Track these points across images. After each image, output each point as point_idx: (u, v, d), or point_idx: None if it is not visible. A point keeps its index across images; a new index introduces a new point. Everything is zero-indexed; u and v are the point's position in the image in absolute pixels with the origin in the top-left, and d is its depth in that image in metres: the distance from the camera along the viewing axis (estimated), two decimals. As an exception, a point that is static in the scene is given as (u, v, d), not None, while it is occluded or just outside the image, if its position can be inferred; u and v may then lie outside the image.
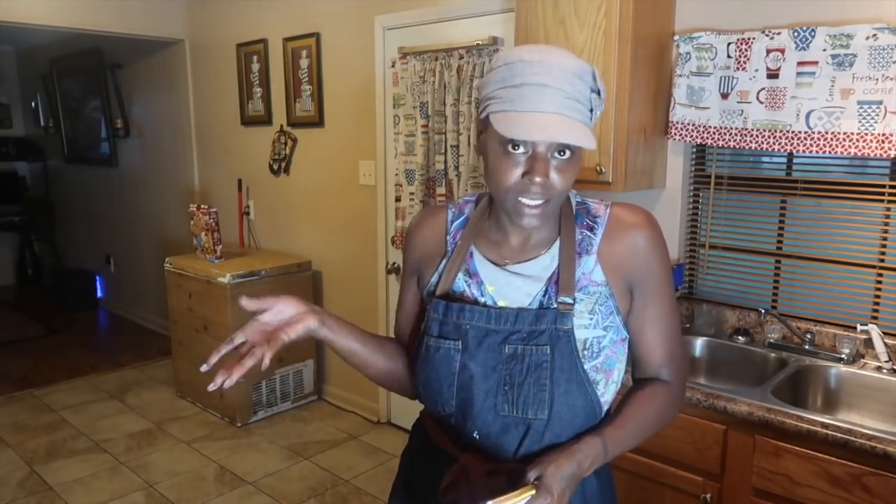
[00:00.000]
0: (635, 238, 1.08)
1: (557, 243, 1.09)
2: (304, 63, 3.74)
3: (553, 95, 0.95)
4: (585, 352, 1.05)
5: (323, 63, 3.66)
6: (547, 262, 1.08)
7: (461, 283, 1.12)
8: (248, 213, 4.36)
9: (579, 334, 1.05)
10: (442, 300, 1.11)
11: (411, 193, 3.14)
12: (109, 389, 4.23)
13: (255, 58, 4.03)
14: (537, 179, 0.96)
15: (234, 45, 4.17)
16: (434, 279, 1.16)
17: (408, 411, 3.46)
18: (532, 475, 0.97)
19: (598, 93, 1.01)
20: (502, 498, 0.94)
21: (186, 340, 3.93)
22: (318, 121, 3.74)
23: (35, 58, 6.19)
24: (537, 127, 0.94)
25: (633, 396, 1.11)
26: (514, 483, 1.00)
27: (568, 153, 0.98)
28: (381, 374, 1.21)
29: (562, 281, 1.06)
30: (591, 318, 1.06)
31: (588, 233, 1.09)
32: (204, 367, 1.01)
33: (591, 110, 1.00)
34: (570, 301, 1.05)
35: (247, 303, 1.03)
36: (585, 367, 1.05)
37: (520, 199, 0.99)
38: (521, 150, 0.97)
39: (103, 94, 5.38)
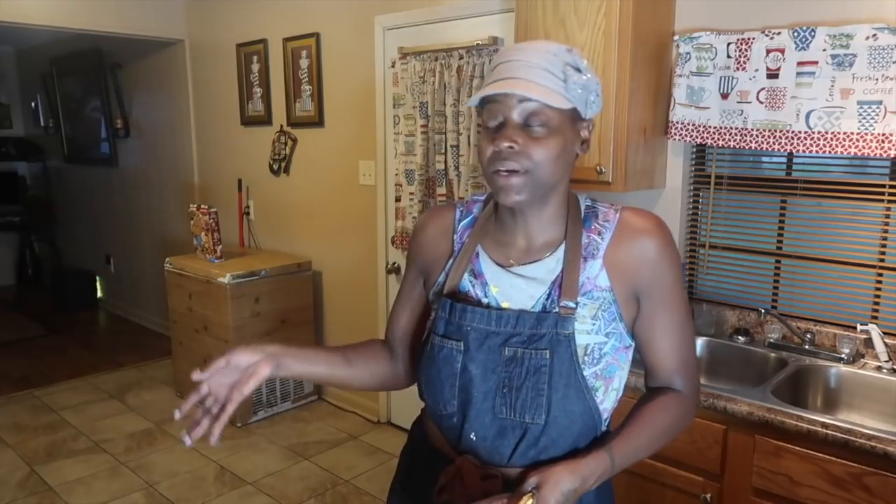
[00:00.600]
0: (645, 245, 1.07)
1: (563, 246, 1.08)
2: (304, 63, 3.74)
3: (520, 65, 1.00)
4: (586, 357, 1.04)
5: (323, 63, 3.66)
6: (552, 265, 1.07)
7: (466, 283, 1.12)
8: (248, 213, 4.36)
9: (580, 339, 1.04)
10: (449, 299, 1.10)
11: (411, 193, 3.14)
12: (109, 389, 4.23)
13: (255, 58, 4.03)
14: (503, 144, 0.99)
15: (234, 45, 4.17)
16: (441, 279, 1.16)
17: (408, 411, 3.46)
18: (532, 483, 0.96)
19: (578, 69, 1.02)
20: (496, 501, 0.93)
21: (186, 340, 3.93)
22: (318, 121, 3.74)
23: (35, 58, 6.19)
24: (497, 86, 0.99)
25: (644, 407, 1.10)
26: (509, 488, 1.00)
27: (540, 122, 1.00)
28: (360, 385, 1.23)
29: (565, 285, 1.05)
30: (594, 324, 1.05)
31: (595, 237, 1.08)
32: (177, 415, 1.04)
33: (565, 81, 1.01)
34: (573, 305, 1.04)
35: (197, 376, 1.05)
36: (585, 373, 1.04)
37: (495, 169, 1.01)
38: (494, 123, 1.01)
39: (103, 94, 5.38)
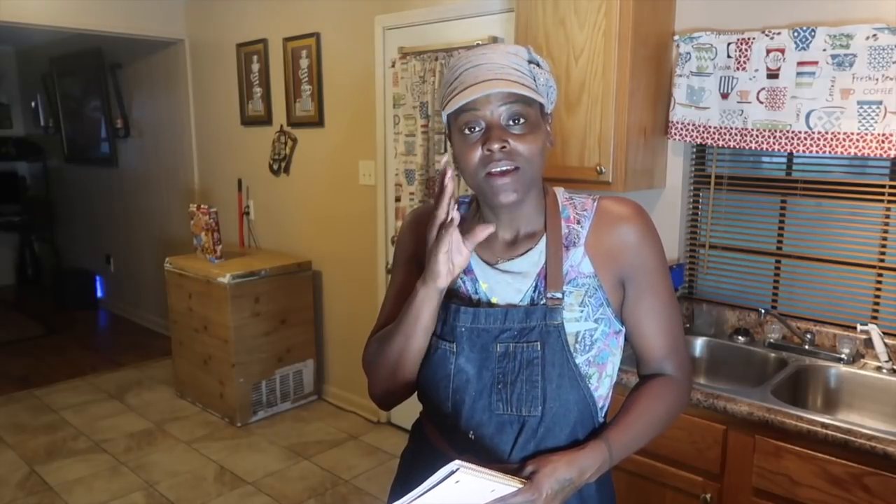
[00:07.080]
0: (624, 231, 1.08)
1: (544, 238, 1.10)
2: (304, 63, 3.74)
3: (487, 68, 1.01)
4: (577, 345, 1.06)
5: (323, 63, 3.66)
6: (535, 257, 1.09)
7: (458, 281, 1.13)
8: (248, 213, 4.36)
9: (570, 327, 1.05)
10: (444, 299, 1.11)
11: (411, 193, 3.15)
12: (109, 389, 4.23)
13: (255, 58, 4.03)
14: (495, 146, 1.00)
15: (234, 45, 4.17)
16: None
17: (408, 411, 3.44)
18: (529, 470, 0.98)
19: (538, 64, 1.05)
20: (483, 468, 0.92)
21: (186, 340, 3.93)
22: (318, 121, 3.74)
23: (35, 58, 6.19)
24: (477, 90, 0.99)
25: (637, 395, 1.11)
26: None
27: (522, 120, 1.01)
28: (410, 361, 1.11)
29: (550, 276, 1.07)
30: (582, 311, 1.06)
31: (575, 225, 1.10)
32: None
33: (535, 79, 1.03)
34: (559, 296, 1.05)
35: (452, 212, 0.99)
36: (577, 361, 1.05)
37: (487, 172, 1.01)
38: (477, 129, 1.02)
39: (103, 94, 5.38)
